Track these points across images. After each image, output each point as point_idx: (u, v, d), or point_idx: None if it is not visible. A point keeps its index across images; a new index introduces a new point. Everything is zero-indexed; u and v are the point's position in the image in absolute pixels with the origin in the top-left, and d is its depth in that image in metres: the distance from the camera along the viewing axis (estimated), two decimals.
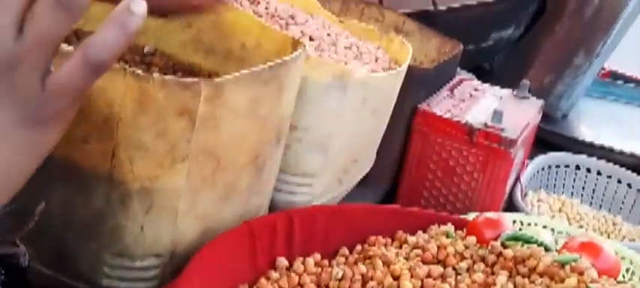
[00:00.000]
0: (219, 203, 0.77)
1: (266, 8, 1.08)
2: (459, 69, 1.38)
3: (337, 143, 0.95)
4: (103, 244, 0.72)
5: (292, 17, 1.07)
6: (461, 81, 1.34)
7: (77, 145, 0.68)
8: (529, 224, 1.07)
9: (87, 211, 0.71)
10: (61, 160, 0.69)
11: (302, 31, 1.04)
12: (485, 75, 1.58)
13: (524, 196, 1.31)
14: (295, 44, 0.86)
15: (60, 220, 0.72)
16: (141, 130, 0.68)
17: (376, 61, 1.05)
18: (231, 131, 0.74)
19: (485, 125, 1.16)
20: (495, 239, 0.82)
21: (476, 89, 1.32)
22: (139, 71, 0.66)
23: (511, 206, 1.25)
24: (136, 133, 0.68)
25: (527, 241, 0.82)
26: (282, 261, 0.81)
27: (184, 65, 0.93)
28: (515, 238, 0.82)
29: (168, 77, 0.66)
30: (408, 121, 1.20)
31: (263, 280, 0.77)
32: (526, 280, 0.77)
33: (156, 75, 0.66)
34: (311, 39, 1.03)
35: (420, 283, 0.76)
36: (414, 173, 1.21)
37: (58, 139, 0.52)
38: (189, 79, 0.68)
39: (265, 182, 0.85)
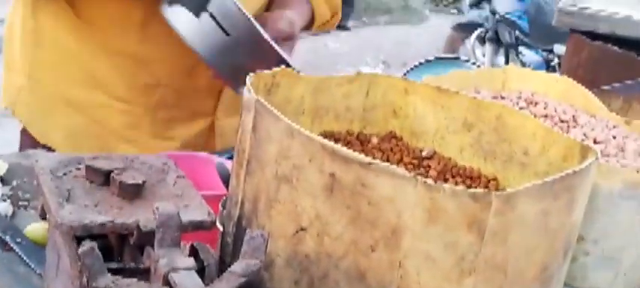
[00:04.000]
0: None
1: (544, 109, 1.04)
2: None
3: (630, 257, 0.87)
4: None
5: (574, 119, 1.02)
6: None
7: (365, 253, 0.69)
8: None
9: None
10: (349, 266, 0.70)
11: (585, 134, 0.98)
12: None
13: None
14: (584, 150, 0.80)
15: None
16: (429, 241, 0.66)
17: None
18: (520, 244, 0.70)
19: None
20: None
21: None
22: (430, 181, 0.65)
23: None
24: (424, 244, 0.66)
25: None
26: None
27: (462, 169, 0.91)
28: None
29: (459, 188, 0.65)
30: None
31: None
32: None
33: (447, 186, 0.64)
34: (595, 142, 0.97)
35: None
36: None
37: None
38: (481, 190, 0.65)
39: None
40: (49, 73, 1.38)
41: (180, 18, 1.23)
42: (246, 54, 1.22)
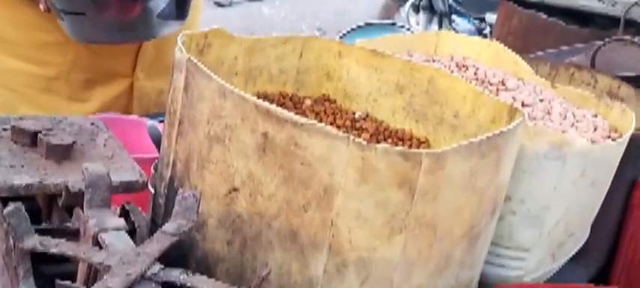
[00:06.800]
0: (433, 276, 0.75)
1: (475, 73, 1.06)
2: None
3: (553, 216, 0.89)
4: None
5: (503, 83, 1.04)
6: None
7: (297, 213, 0.69)
8: None
9: (302, 278, 0.71)
10: (282, 226, 0.70)
11: (513, 97, 1.00)
12: None
13: None
14: (512, 112, 0.82)
15: (276, 285, 0.72)
16: (361, 200, 0.67)
17: (595, 129, 0.98)
18: (449, 203, 0.71)
19: None
20: None
21: None
22: (362, 141, 0.65)
23: None
24: (355, 202, 0.67)
25: None
26: None
27: (394, 131, 0.92)
28: None
29: (390, 147, 0.65)
30: (626, 194, 1.11)
31: None
32: None
33: (378, 145, 0.65)
34: (523, 105, 0.99)
35: None
36: (632, 250, 1.12)
37: None
38: (411, 150, 0.66)
39: (478, 255, 0.81)
40: None
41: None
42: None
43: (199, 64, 0.74)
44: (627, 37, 1.45)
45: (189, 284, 0.64)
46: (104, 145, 0.86)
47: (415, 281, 0.73)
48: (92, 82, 1.34)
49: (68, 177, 0.76)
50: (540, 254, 0.92)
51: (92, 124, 0.89)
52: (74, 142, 0.82)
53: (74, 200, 0.75)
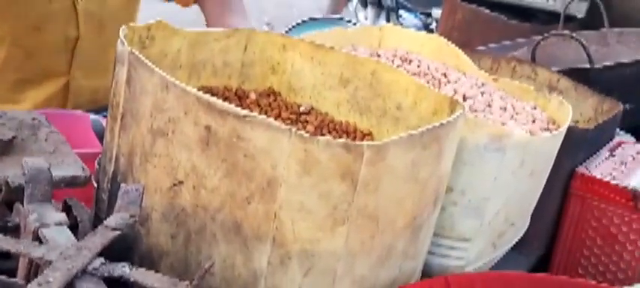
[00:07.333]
0: (376, 267, 0.76)
1: (418, 66, 1.07)
2: (617, 130, 1.31)
3: (494, 207, 0.91)
4: None
5: (445, 75, 1.06)
6: (620, 143, 1.27)
7: (241, 205, 0.69)
8: None
9: (247, 270, 0.71)
10: (225, 218, 0.70)
11: (455, 90, 1.02)
12: None
13: None
14: (453, 105, 0.84)
15: (220, 278, 0.73)
16: (303, 192, 0.68)
17: (534, 121, 1.01)
18: (391, 194, 0.72)
19: None
20: None
21: (638, 152, 1.24)
22: (304, 133, 0.66)
23: None
24: (298, 194, 0.68)
25: None
26: None
27: (338, 124, 0.93)
28: None
29: (333, 139, 0.66)
30: (564, 184, 1.14)
31: None
32: None
33: (321, 137, 0.66)
34: (464, 98, 1.01)
35: None
36: (571, 239, 1.15)
37: None
38: (353, 142, 0.67)
39: (421, 245, 0.82)
40: None
41: None
42: None
43: (141, 56, 0.74)
44: (567, 32, 1.48)
45: (131, 278, 0.64)
46: (46, 139, 0.85)
47: (358, 272, 0.74)
48: (25, 83, 1.30)
49: (8, 172, 0.75)
50: (481, 244, 0.94)
51: (33, 118, 0.88)
52: (14, 137, 0.80)
53: (14, 195, 0.74)
